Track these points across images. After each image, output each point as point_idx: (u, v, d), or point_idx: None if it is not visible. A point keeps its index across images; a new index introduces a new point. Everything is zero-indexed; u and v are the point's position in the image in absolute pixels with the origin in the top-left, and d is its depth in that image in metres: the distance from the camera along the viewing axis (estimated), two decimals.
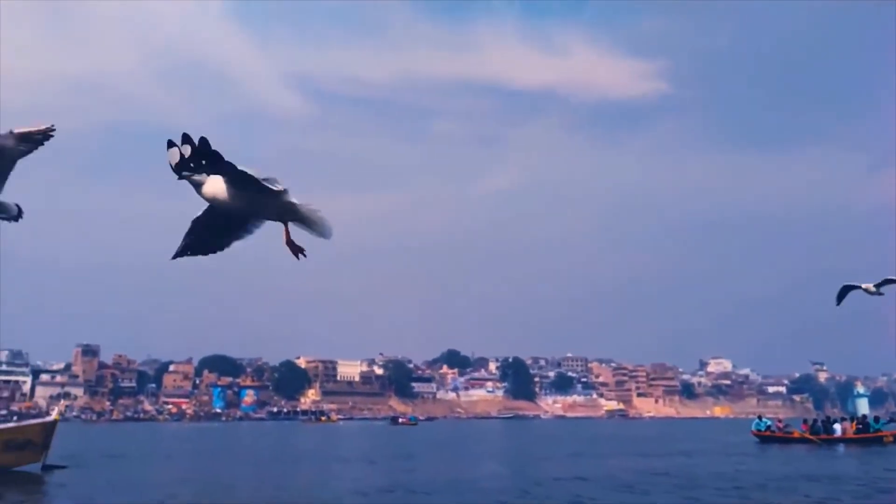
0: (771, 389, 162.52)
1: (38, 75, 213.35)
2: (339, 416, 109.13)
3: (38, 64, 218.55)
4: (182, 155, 4.12)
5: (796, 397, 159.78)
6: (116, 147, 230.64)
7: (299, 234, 4.55)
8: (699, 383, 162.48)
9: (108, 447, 30.98)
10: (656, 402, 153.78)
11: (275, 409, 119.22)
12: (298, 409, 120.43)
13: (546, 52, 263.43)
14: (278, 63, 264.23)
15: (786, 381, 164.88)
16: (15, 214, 5.49)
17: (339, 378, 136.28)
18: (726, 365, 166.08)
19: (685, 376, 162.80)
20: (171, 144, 4.08)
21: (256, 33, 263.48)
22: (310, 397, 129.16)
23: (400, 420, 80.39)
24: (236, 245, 4.91)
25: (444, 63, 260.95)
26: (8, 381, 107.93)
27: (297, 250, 4.68)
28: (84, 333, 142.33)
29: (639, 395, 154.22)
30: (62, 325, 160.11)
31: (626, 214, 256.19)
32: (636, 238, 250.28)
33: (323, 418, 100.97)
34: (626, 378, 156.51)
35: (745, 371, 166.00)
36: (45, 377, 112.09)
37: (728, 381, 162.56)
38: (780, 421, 34.37)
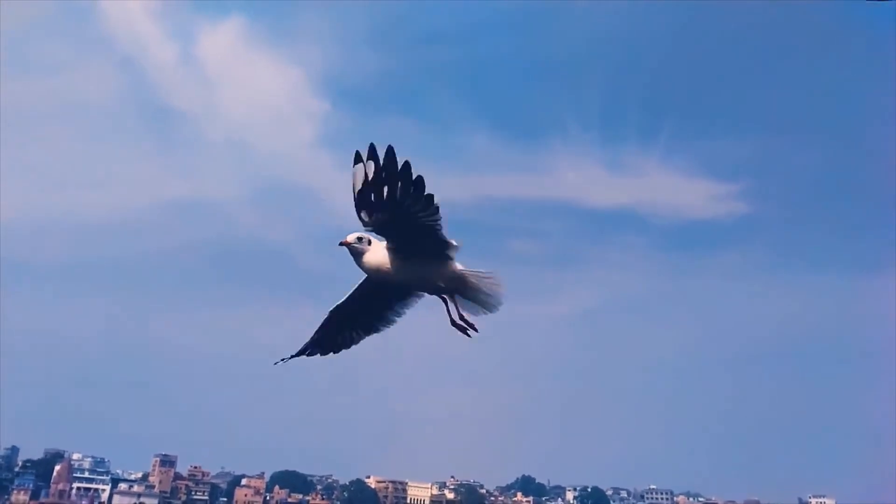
0: None
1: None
2: None
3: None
4: (370, 175, 3.96)
5: None
6: (211, 262, 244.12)
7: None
8: None
9: None
10: None
11: None
12: None
13: (621, 173, 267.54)
14: None
15: None
16: None
17: (408, 501, 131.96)
18: None
19: None
20: (357, 159, 3.94)
21: (344, 159, 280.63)
22: None
23: None
24: (340, 353, 4.84)
25: (520, 184, 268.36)
26: (88, 489, 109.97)
27: (466, 327, 4.50)
28: (163, 443, 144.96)
29: None
30: (143, 432, 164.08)
31: (710, 338, 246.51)
32: (723, 363, 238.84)
33: None
34: None
35: None
36: (123, 486, 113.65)
37: None
38: None
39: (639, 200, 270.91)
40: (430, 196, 4.14)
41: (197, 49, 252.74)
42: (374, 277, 4.47)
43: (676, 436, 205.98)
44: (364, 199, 4.08)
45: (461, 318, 4.49)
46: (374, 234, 4.29)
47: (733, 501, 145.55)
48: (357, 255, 4.42)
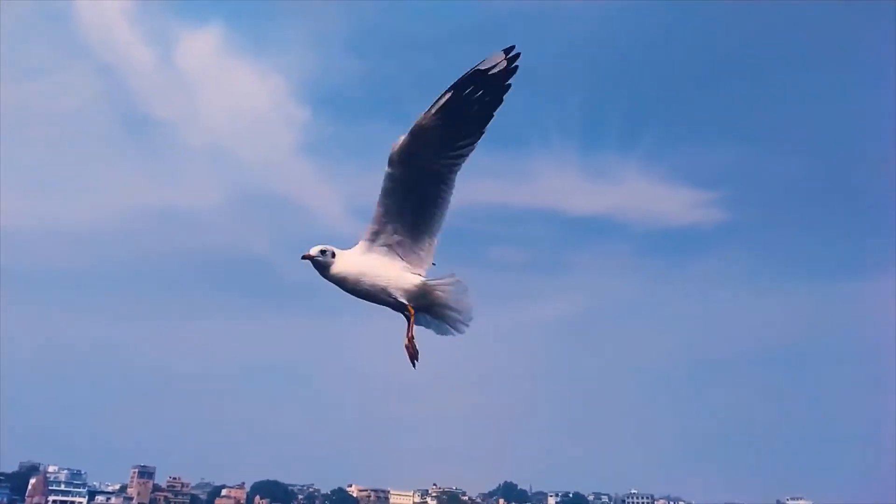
0: None
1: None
2: None
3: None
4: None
5: None
6: (189, 270, 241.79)
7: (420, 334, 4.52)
8: None
9: None
10: None
11: None
12: None
13: (601, 181, 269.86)
14: (345, 194, 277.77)
15: None
16: None
17: None
18: None
19: None
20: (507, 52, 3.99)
21: (325, 166, 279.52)
22: None
23: None
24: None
25: (501, 191, 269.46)
26: (65, 502, 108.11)
27: (414, 355, 4.44)
28: (141, 454, 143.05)
29: None
30: (120, 443, 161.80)
31: (690, 343, 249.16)
32: (701, 368, 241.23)
33: None
34: None
35: None
36: (100, 499, 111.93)
37: None
38: None
39: (619, 207, 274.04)
40: (489, 119, 4.24)
41: (176, 56, 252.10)
42: (342, 288, 4.45)
43: (656, 440, 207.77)
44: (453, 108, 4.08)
45: (412, 342, 4.45)
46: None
47: None
48: (322, 268, 4.40)
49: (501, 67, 4.06)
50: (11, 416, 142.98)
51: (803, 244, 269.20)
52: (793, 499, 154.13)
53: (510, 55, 4.09)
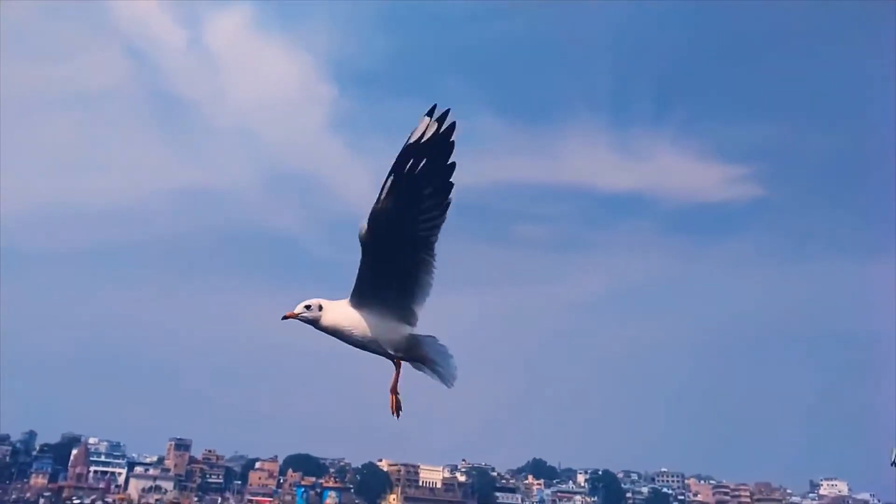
0: None
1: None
2: None
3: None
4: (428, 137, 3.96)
5: None
6: (220, 248, 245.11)
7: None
8: None
9: None
10: None
11: None
12: None
13: (631, 157, 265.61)
14: (372, 171, 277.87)
15: None
16: None
17: (420, 483, 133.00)
18: (841, 488, 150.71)
19: (794, 499, 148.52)
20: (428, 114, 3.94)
21: (352, 143, 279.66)
22: (391, 502, 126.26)
23: None
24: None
25: (528, 168, 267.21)
26: (105, 473, 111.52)
27: (397, 406, 4.63)
28: (178, 427, 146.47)
29: None
30: (158, 416, 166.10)
31: (722, 322, 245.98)
32: (734, 347, 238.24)
33: None
34: (727, 497, 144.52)
35: (864, 496, 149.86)
36: (139, 469, 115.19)
37: None
38: None
39: (648, 184, 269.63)
40: (449, 186, 4.14)
41: (204, 35, 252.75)
42: (334, 336, 4.55)
43: (688, 419, 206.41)
44: (400, 168, 4.06)
45: (396, 393, 4.58)
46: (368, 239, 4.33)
47: (744, 484, 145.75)
48: (311, 322, 4.50)
49: (432, 132, 4.00)
50: (54, 390, 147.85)
51: (842, 222, 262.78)
52: (827, 479, 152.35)
53: (436, 117, 4.01)
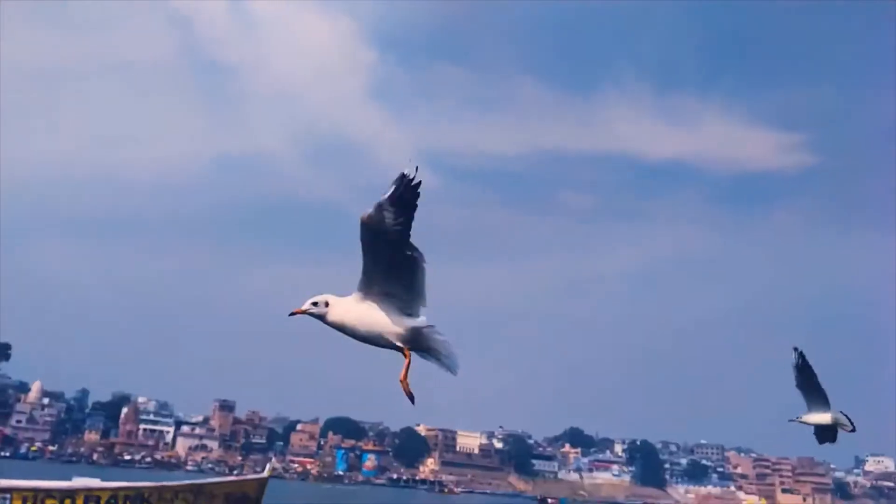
0: None
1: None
2: (460, 490, 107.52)
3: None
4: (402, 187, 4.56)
5: None
6: (261, 216, 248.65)
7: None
8: (855, 483, 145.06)
9: None
10: (804, 500, 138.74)
11: (394, 476, 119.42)
12: (417, 478, 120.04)
13: (678, 124, 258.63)
14: (412, 138, 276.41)
15: None
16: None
17: (457, 449, 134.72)
18: (888, 464, 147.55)
19: (838, 474, 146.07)
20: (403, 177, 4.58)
21: (392, 110, 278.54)
22: (428, 466, 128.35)
23: (549, 501, 78.10)
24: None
25: (571, 135, 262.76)
26: (154, 431, 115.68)
27: (410, 393, 4.80)
28: (223, 389, 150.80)
29: (783, 490, 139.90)
30: (203, 378, 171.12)
31: (765, 295, 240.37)
32: (779, 319, 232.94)
33: (445, 490, 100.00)
34: (768, 471, 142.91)
35: None
36: (185, 429, 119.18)
37: (891, 483, 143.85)
38: None
39: (696, 152, 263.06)
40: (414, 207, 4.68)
41: (246, 1, 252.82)
42: (341, 332, 4.81)
43: (728, 392, 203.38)
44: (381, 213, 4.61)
45: (405, 383, 4.80)
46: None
47: (786, 458, 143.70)
48: (319, 317, 4.77)
49: (413, 180, 4.56)
50: (105, 350, 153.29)
51: None
52: (873, 456, 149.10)
53: (409, 178, 4.58)
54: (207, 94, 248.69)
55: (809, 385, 10.36)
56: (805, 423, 10.53)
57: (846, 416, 10.45)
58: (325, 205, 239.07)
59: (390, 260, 4.73)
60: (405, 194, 4.60)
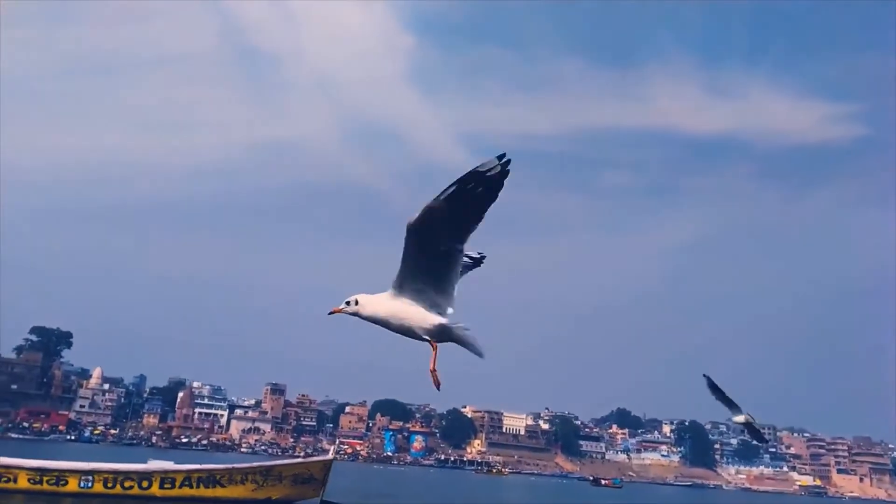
0: None
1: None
2: (508, 470, 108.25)
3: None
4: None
5: None
6: (304, 201, 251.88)
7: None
8: None
9: (365, 487, 31.88)
10: (861, 480, 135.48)
11: (442, 457, 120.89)
12: (465, 459, 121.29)
13: (724, 96, 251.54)
14: (451, 121, 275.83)
15: None
16: None
17: (504, 430, 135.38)
18: None
19: None
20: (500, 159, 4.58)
21: (431, 94, 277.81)
22: (475, 447, 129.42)
23: (603, 482, 77.74)
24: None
25: (614, 113, 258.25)
26: (209, 414, 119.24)
27: (438, 382, 5.12)
28: (273, 373, 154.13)
29: (839, 471, 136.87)
30: (254, 362, 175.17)
31: (818, 271, 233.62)
32: (834, 295, 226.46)
33: (494, 471, 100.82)
34: (822, 451, 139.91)
35: None
36: (238, 412, 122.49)
37: None
38: None
39: (743, 125, 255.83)
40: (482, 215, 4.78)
41: None
42: (377, 325, 5.13)
43: (781, 370, 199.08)
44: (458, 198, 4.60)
45: (434, 373, 5.07)
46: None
47: (842, 437, 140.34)
48: (354, 315, 5.12)
49: (496, 171, 4.53)
50: (162, 337, 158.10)
51: None
52: None
53: (503, 161, 4.55)
54: (248, 81, 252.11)
55: (723, 398, 14.63)
56: (736, 423, 14.77)
57: (751, 416, 14.88)
58: (364, 188, 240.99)
59: (428, 265, 4.94)
60: (476, 191, 4.57)
